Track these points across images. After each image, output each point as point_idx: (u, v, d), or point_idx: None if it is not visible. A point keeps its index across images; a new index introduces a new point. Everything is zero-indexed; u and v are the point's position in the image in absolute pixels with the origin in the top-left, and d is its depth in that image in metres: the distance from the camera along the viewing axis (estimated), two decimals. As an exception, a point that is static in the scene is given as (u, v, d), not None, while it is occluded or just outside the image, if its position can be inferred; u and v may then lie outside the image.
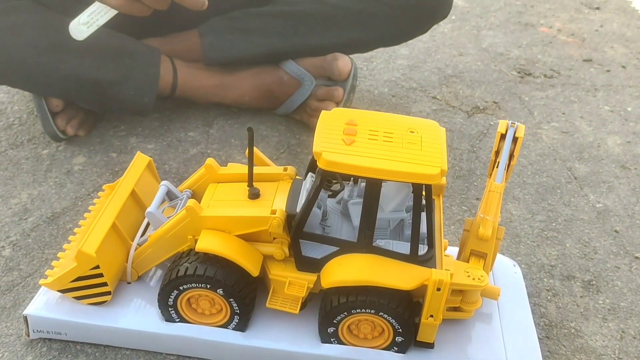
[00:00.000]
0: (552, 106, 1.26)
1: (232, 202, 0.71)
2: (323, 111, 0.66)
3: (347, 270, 0.65)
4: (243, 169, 0.75)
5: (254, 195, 0.70)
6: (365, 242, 0.65)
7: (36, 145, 1.03)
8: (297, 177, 0.74)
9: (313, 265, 0.67)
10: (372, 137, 0.63)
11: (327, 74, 1.10)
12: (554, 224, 0.96)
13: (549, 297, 0.84)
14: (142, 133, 1.07)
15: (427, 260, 0.66)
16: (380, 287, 0.64)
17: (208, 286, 0.66)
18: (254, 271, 0.66)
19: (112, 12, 0.91)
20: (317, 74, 1.10)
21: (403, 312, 0.65)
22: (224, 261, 0.66)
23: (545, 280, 0.87)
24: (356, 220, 0.67)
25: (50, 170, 0.97)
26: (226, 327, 0.69)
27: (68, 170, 0.98)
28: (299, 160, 1.04)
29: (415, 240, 0.64)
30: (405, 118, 0.67)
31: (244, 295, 0.67)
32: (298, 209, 0.67)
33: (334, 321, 0.67)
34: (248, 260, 0.66)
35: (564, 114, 1.24)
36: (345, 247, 0.66)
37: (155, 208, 0.71)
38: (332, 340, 0.68)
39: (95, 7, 0.91)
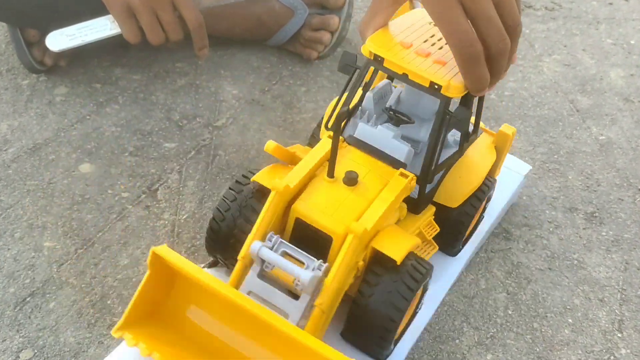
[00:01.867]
0: (553, 39, 1.21)
1: (347, 201, 0.57)
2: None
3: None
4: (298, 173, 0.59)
5: (352, 180, 0.57)
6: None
7: (15, 76, 0.98)
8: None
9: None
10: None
11: (321, 2, 1.05)
12: (555, 157, 0.93)
13: (551, 229, 0.81)
14: (128, 63, 1.02)
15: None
16: None
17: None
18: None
19: (114, 33, 0.86)
20: (310, 2, 1.05)
21: None
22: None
23: (547, 212, 0.84)
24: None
25: (30, 101, 0.93)
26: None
27: (50, 100, 0.93)
28: (292, 92, 1.00)
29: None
30: None
31: None
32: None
33: None
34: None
35: (565, 46, 1.19)
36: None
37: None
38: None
39: (95, 22, 0.85)
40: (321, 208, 0.55)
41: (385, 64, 0.57)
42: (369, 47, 0.57)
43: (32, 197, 0.78)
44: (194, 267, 0.51)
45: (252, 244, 0.52)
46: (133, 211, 0.77)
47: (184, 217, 0.77)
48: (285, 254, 0.53)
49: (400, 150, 0.60)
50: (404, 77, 0.57)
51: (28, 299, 0.67)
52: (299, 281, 0.51)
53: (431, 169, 0.60)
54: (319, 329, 0.52)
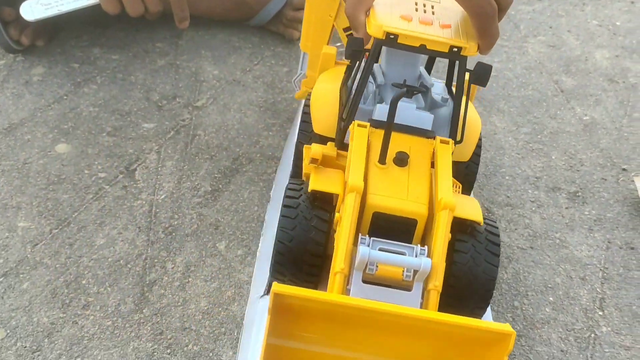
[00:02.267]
0: (538, 20, 1.20)
1: (410, 181, 0.56)
2: None
3: None
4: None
5: (403, 160, 0.56)
6: None
7: (-9, 56, 0.96)
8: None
9: None
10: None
11: (303, -19, 1.04)
12: (539, 137, 0.92)
13: (533, 209, 0.81)
14: (107, 43, 1.00)
15: None
16: None
17: None
18: None
19: (92, 2, 0.83)
20: (292, -19, 1.04)
21: None
22: None
23: (529, 191, 0.83)
24: None
25: (7, 81, 0.91)
26: None
27: (26, 80, 0.91)
28: (274, 72, 0.99)
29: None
30: None
31: None
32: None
33: None
34: None
35: (551, 27, 1.19)
36: None
37: None
38: None
39: None
40: (393, 195, 0.54)
41: (400, 40, 0.57)
42: (383, 27, 0.56)
43: (6, 177, 0.76)
44: (318, 292, 0.48)
45: (361, 251, 0.50)
46: (110, 191, 0.76)
47: (162, 197, 0.76)
48: (382, 250, 0.52)
49: (426, 119, 0.59)
50: (421, 49, 0.56)
51: (1, 280, 0.66)
52: (410, 271, 0.50)
53: (459, 128, 0.59)
54: (436, 310, 0.52)
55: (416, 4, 0.60)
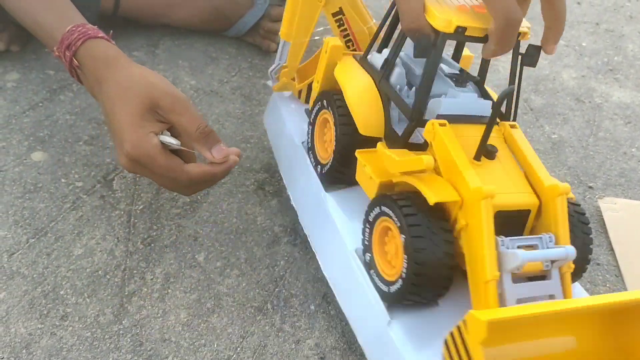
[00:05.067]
0: (508, 39, 1.24)
1: (508, 173, 0.57)
2: None
3: None
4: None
5: (493, 153, 0.57)
6: None
7: (-36, 60, 0.95)
8: None
9: None
10: None
11: (281, -6, 1.05)
12: (510, 154, 0.95)
13: (504, 224, 0.83)
14: (82, 51, 0.99)
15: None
16: None
17: None
18: None
19: None
20: (270, -7, 1.05)
21: None
22: None
23: (501, 207, 0.85)
24: None
25: (-20, 87, 0.90)
26: None
27: (0, 87, 0.90)
28: (251, 84, 0.99)
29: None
30: None
31: None
32: None
33: None
34: None
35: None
36: None
37: None
38: None
39: None
40: (504, 191, 0.55)
41: (467, 33, 0.56)
42: (454, 22, 0.55)
43: (-19, 184, 0.75)
44: (522, 308, 0.49)
45: (519, 254, 0.51)
46: (87, 201, 0.76)
47: (140, 207, 0.76)
48: (520, 247, 0.53)
49: (487, 106, 0.60)
50: (485, 38, 0.56)
51: (-23, 289, 0.65)
52: (548, 261, 0.53)
53: (514, 107, 0.62)
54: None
55: None
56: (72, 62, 0.69)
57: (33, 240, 0.70)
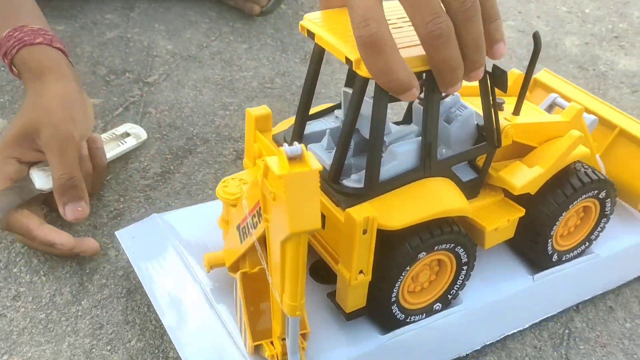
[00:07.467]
0: (507, 5, 1.17)
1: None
2: None
3: None
4: None
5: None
6: None
7: None
8: None
9: None
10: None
11: (264, -47, 0.98)
12: (509, 123, 0.89)
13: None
14: (50, 13, 0.93)
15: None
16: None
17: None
18: None
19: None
20: (253, -47, 0.98)
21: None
22: None
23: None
24: None
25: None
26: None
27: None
28: (232, 49, 0.93)
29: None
30: None
31: None
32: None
33: None
34: None
35: (520, 12, 1.15)
36: None
37: None
38: None
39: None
40: None
41: None
42: None
43: None
44: None
45: None
46: (49, 171, 0.69)
47: (107, 178, 0.70)
48: None
49: None
50: None
51: None
52: None
53: (496, 130, 0.54)
54: None
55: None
56: (12, 69, 0.67)
57: (-14, 213, 0.64)
